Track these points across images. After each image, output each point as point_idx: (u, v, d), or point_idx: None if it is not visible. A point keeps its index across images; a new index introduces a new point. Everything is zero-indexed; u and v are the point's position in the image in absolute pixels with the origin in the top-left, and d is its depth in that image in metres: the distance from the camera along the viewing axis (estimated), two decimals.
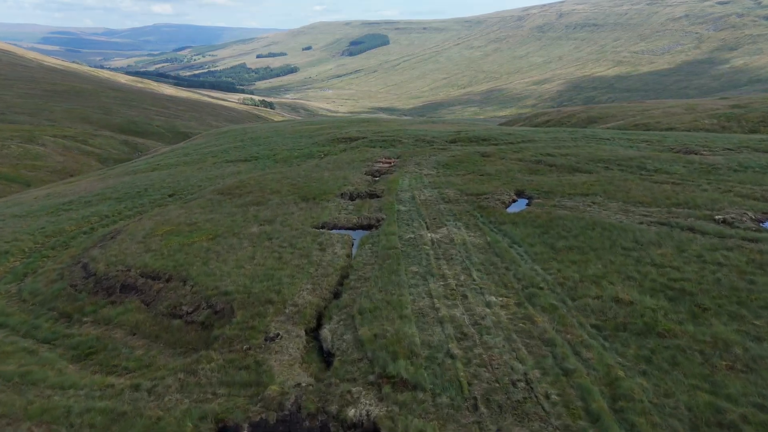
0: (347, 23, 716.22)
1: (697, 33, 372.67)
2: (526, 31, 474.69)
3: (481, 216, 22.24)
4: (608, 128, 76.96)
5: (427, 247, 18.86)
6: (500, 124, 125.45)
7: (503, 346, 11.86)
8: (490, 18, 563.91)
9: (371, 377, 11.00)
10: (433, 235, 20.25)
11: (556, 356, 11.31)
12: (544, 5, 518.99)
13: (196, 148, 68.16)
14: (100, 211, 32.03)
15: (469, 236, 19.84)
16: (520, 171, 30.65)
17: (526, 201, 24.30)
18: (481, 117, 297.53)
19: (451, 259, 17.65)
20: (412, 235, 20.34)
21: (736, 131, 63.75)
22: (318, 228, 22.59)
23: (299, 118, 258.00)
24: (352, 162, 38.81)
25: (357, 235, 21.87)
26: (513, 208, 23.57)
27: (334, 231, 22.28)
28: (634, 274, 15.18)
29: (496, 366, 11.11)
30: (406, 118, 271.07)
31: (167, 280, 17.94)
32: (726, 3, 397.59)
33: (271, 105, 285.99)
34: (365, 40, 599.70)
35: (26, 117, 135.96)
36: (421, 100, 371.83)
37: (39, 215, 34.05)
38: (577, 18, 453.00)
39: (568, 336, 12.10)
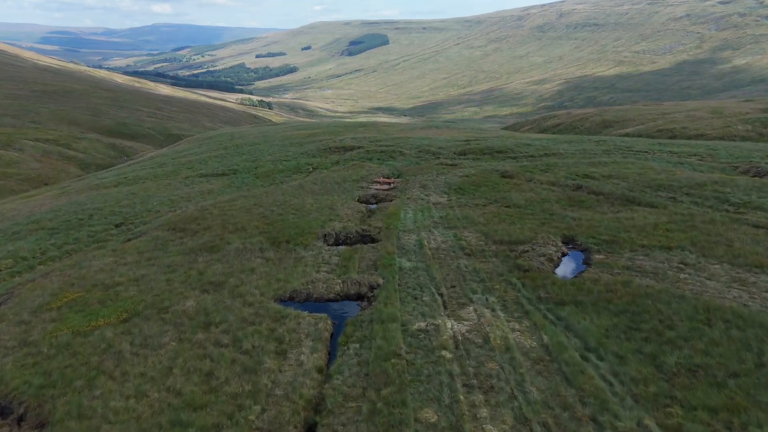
0: (347, 23, 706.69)
1: (698, 33, 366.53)
2: (526, 30, 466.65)
3: (523, 285, 14.89)
4: (629, 134, 69.65)
5: (449, 355, 11.54)
6: (505, 127, 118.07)
7: None
8: (490, 18, 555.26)
9: None
10: (455, 325, 12.92)
11: None
12: (545, 5, 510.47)
13: (174, 157, 60.83)
14: (18, 251, 24.68)
15: (513, 330, 12.51)
16: (558, 201, 23.30)
17: (582, 256, 16.90)
18: (481, 116, 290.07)
19: (492, 388, 10.32)
20: (423, 324, 13.02)
21: None
22: (284, 301, 15.24)
23: (298, 118, 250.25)
24: (343, 182, 31.50)
25: (340, 314, 14.58)
26: (566, 269, 16.21)
27: (305, 309, 14.91)
28: None
29: None
30: (404, 119, 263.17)
31: (18, 421, 10.66)
32: (727, 2, 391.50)
33: (269, 105, 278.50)
34: (365, 40, 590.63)
35: (9, 119, 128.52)
36: (420, 100, 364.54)
37: None
38: (578, 18, 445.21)
39: None
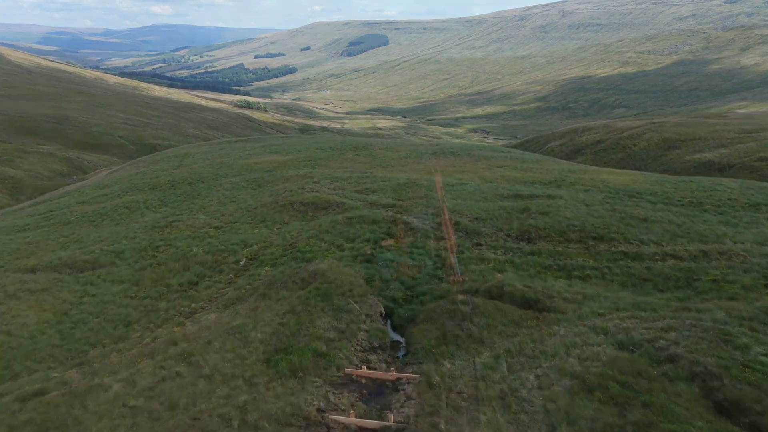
0: (346, 23, 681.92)
1: (704, 33, 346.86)
2: (528, 31, 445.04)
3: None
4: (712, 161, 49.76)
5: None
6: (524, 141, 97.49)
7: None
8: (491, 18, 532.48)
9: None
10: None
11: None
12: (547, 5, 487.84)
13: (81, 199, 41.03)
14: None
15: None
16: None
17: None
18: (482, 116, 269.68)
19: None
20: None
21: None
22: None
23: (295, 119, 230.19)
24: (269, 383, 11.89)
25: None
26: None
27: None
28: None
29: None
30: (404, 119, 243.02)
31: None
32: (734, 2, 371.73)
33: (265, 107, 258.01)
34: (364, 41, 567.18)
35: None
36: (421, 101, 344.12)
37: None
38: (580, 18, 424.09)
39: None
